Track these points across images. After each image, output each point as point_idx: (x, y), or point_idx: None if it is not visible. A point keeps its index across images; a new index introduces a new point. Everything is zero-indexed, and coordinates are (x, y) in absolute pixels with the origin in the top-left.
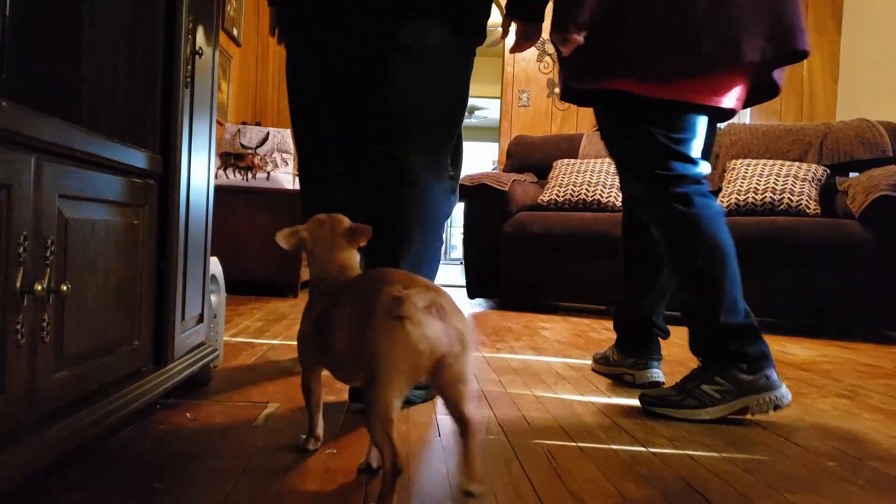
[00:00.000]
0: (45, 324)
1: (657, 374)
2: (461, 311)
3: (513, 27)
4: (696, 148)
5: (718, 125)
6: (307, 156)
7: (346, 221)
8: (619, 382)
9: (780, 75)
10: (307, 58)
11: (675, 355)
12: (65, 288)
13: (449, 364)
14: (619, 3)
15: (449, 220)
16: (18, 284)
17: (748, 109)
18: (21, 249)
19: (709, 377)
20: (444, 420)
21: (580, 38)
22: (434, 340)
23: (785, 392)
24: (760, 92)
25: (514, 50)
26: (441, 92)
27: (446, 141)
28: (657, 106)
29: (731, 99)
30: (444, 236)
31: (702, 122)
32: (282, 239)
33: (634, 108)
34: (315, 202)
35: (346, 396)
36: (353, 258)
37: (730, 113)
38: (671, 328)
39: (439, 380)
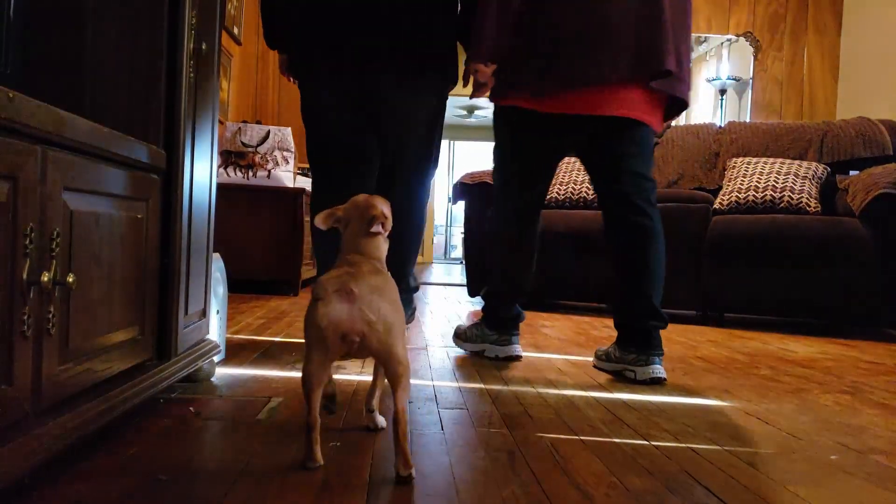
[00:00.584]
0: (50, 315)
1: (658, 370)
2: (381, 297)
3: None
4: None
5: (657, 139)
6: (326, 174)
7: (378, 207)
8: (621, 379)
9: (685, 91)
10: (320, 96)
11: (677, 352)
12: (70, 279)
13: (355, 341)
14: (513, 35)
15: (448, 220)
16: (25, 276)
17: (748, 109)
18: (27, 241)
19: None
20: (446, 413)
21: (486, 69)
22: (335, 319)
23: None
24: (673, 106)
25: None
26: (425, 116)
27: (428, 150)
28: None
29: (618, 109)
30: (444, 234)
31: (561, 134)
32: (319, 220)
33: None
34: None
35: (349, 392)
36: (375, 244)
37: (628, 122)
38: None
39: (365, 356)
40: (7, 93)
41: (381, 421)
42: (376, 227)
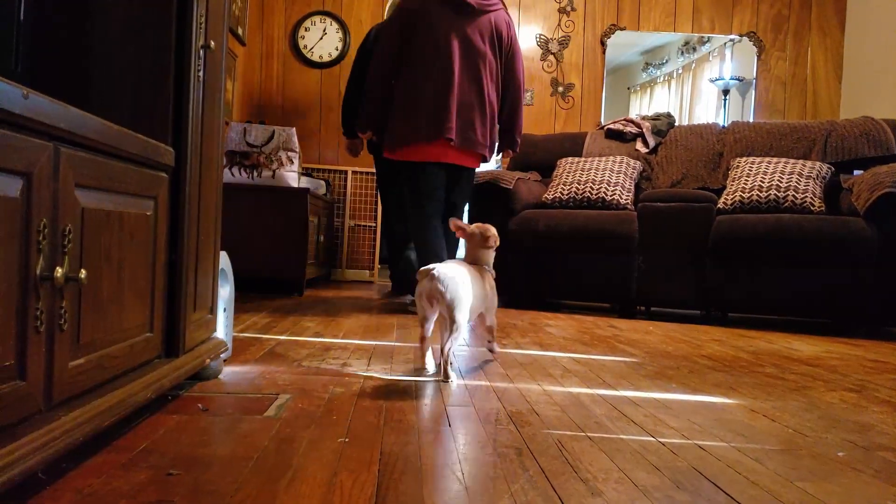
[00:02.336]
0: (62, 311)
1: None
2: (457, 281)
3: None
4: (435, 186)
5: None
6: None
7: (494, 232)
8: (626, 376)
9: (485, 153)
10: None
11: (681, 350)
12: (82, 275)
13: (433, 302)
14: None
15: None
16: (38, 271)
17: (751, 109)
18: (40, 237)
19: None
20: (453, 410)
21: (370, 135)
22: (423, 288)
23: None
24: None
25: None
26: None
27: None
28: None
29: (439, 157)
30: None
31: (432, 174)
32: (453, 227)
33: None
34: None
35: (356, 389)
36: (486, 253)
37: (451, 168)
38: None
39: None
40: (22, 90)
41: (430, 365)
42: (491, 244)
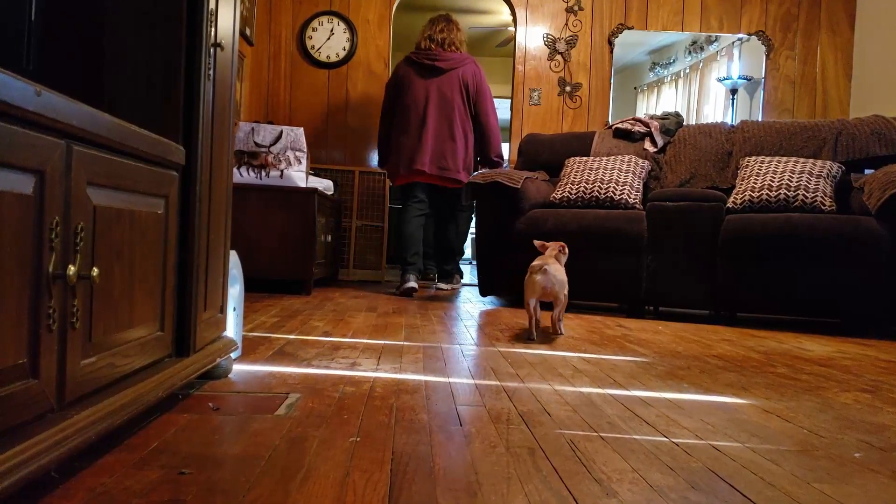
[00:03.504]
0: (74, 309)
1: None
2: (557, 272)
3: None
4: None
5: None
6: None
7: (566, 248)
8: (636, 375)
9: (458, 177)
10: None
11: (692, 350)
12: (94, 273)
13: (546, 289)
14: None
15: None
16: (50, 269)
17: (760, 108)
18: (52, 235)
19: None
20: (464, 409)
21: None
22: (539, 280)
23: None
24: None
25: None
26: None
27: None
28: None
29: (417, 178)
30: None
31: (415, 187)
32: (538, 245)
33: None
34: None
35: (366, 388)
36: (561, 258)
37: (432, 186)
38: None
39: (549, 298)
40: (35, 88)
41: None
42: (565, 253)
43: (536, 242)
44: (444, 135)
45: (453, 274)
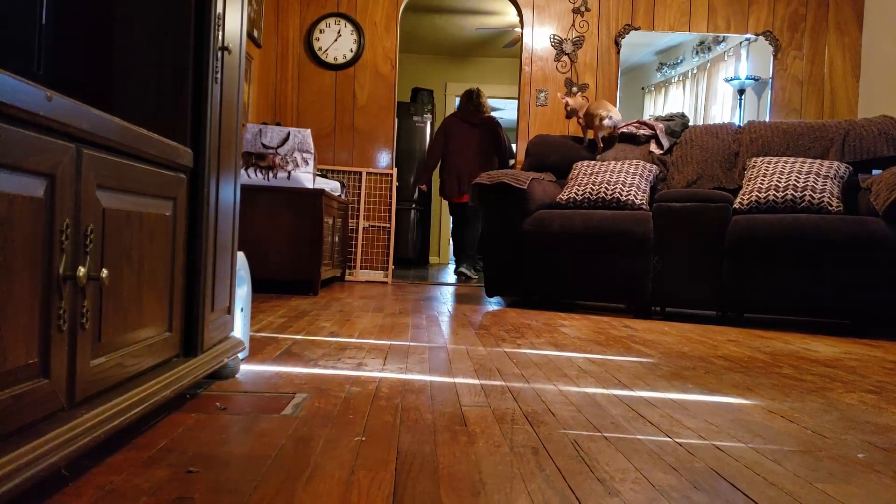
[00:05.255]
0: (84, 310)
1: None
2: None
3: None
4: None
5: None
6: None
7: None
8: (640, 375)
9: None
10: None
11: (697, 351)
12: (104, 274)
13: None
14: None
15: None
16: (61, 271)
17: (767, 109)
18: (63, 237)
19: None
20: (469, 410)
21: (423, 186)
22: None
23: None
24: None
25: None
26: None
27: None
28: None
29: (456, 199)
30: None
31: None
32: None
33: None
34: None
35: (372, 388)
36: None
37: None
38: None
39: None
40: (45, 93)
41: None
42: None
43: None
44: (474, 167)
45: (470, 263)
